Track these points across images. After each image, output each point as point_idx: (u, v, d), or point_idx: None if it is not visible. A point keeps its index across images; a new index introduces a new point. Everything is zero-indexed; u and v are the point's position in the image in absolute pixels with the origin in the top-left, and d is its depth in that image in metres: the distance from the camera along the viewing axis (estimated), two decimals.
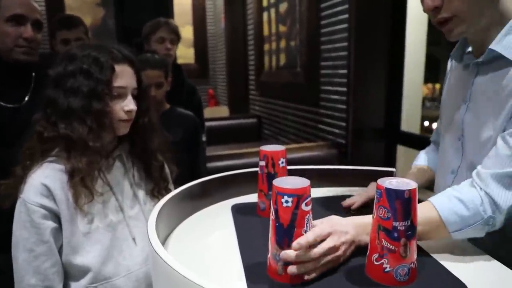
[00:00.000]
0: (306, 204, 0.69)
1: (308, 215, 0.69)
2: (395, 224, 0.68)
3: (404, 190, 0.67)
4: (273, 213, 0.70)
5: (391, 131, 2.46)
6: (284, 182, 0.69)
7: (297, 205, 0.68)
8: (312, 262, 0.71)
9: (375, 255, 0.71)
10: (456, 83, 1.00)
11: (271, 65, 3.81)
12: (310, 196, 0.69)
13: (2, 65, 1.36)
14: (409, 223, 0.68)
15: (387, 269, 0.70)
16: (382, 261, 0.70)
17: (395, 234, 0.68)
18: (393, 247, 0.69)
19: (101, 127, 0.99)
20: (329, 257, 0.73)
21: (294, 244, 0.69)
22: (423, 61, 2.87)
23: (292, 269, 0.70)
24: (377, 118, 2.50)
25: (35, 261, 0.95)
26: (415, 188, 0.68)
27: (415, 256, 0.71)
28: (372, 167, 1.25)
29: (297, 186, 0.68)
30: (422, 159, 1.17)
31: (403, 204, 0.67)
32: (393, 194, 0.67)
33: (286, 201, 0.67)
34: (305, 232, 0.70)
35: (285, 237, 0.69)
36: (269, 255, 0.73)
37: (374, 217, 0.71)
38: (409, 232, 0.69)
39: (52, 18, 2.43)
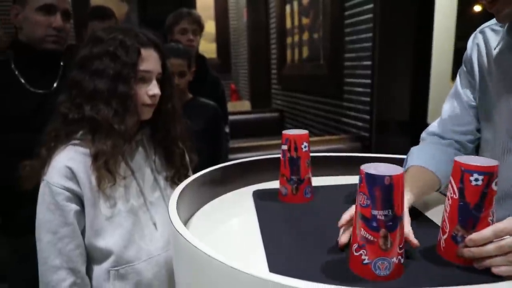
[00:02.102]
0: (496, 184, 0.66)
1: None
2: (374, 212, 0.63)
3: (384, 176, 0.61)
4: (456, 192, 0.68)
5: (417, 124, 2.40)
6: (471, 160, 0.67)
7: (487, 184, 0.65)
8: (501, 257, 0.64)
9: (355, 245, 0.66)
10: (509, 70, 0.86)
11: (294, 58, 3.78)
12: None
13: (31, 53, 1.38)
14: (390, 212, 0.63)
15: (366, 261, 0.64)
16: (361, 252, 0.65)
17: (374, 224, 0.63)
18: (372, 238, 0.64)
19: (125, 110, 0.98)
20: None
21: (467, 240, 0.65)
22: (451, 55, 2.79)
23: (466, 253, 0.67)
24: (402, 110, 2.44)
25: (59, 242, 0.95)
26: (398, 175, 0.62)
27: (400, 251, 0.65)
28: (397, 155, 1.20)
29: (484, 164, 0.66)
30: (423, 160, 0.93)
31: (382, 191, 0.62)
32: (371, 180, 0.62)
33: (476, 179, 0.66)
34: (493, 214, 0.67)
35: (471, 218, 0.67)
36: (444, 237, 0.71)
37: (356, 204, 0.67)
38: (390, 223, 0.63)
39: (78, 12, 2.46)
